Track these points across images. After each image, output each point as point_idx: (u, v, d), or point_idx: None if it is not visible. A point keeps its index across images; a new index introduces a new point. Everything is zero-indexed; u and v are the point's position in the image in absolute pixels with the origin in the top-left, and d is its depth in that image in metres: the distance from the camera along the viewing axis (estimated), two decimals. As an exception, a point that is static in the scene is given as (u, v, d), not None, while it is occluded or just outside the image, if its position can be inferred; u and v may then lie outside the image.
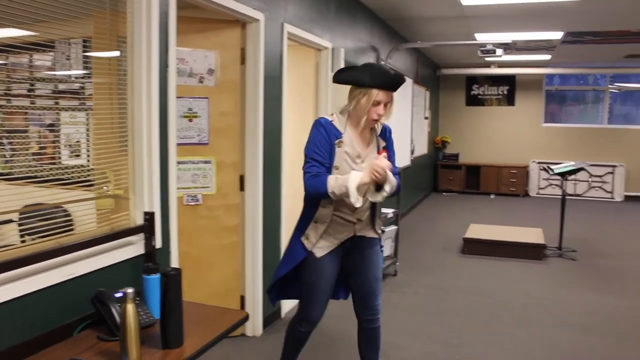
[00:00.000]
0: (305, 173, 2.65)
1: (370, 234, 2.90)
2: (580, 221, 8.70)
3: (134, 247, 2.58)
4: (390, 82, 2.68)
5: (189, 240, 3.56)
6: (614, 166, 11.33)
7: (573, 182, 11.29)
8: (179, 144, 3.04)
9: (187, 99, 3.61)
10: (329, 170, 2.67)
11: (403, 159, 7.89)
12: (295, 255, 2.80)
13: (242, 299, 3.97)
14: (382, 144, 2.84)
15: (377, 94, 2.63)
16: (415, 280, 5.43)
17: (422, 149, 9.98)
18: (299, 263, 2.80)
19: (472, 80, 12.15)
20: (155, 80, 2.68)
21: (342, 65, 5.26)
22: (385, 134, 2.90)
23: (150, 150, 2.68)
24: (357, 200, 2.55)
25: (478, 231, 6.75)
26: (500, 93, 12.06)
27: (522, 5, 5.98)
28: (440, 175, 11.81)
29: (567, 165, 6.59)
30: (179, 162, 3.15)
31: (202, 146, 3.70)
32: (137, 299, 2.07)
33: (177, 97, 2.96)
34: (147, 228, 2.63)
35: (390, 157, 2.79)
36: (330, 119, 2.73)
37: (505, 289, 5.23)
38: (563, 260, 6.29)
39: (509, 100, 12.01)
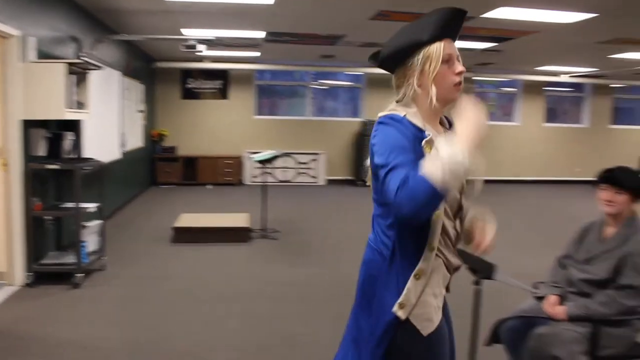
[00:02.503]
0: (388, 190, 1.61)
1: None
2: (286, 204, 9.58)
3: None
4: (452, 18, 1.79)
5: None
6: (317, 154, 12.66)
7: (282, 169, 12.33)
8: None
9: None
10: None
11: (112, 153, 7.72)
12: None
13: None
14: None
15: (444, 46, 1.76)
16: (124, 273, 5.41)
17: (136, 142, 9.85)
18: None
19: (187, 74, 12.35)
20: None
21: (34, 56, 4.96)
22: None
23: None
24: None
25: (188, 220, 6.97)
26: (215, 87, 12.50)
27: (221, 4, 6.32)
28: (158, 168, 11.77)
29: (266, 154, 7.20)
30: None
31: None
32: None
33: None
34: None
35: None
36: (402, 114, 1.80)
37: (211, 272, 5.53)
38: (267, 240, 6.86)
39: (223, 94, 12.53)
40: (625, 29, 7.20)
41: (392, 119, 1.78)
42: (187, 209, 8.27)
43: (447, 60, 1.77)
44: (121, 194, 8.83)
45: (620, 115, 14.89)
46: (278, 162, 12.09)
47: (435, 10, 1.80)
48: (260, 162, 7.16)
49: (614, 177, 2.83)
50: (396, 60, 1.84)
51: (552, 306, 2.82)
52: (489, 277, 2.37)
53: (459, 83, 1.80)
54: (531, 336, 2.74)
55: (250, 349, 3.74)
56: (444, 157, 1.52)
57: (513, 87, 14.18)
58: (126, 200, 9.23)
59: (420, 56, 1.78)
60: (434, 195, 1.52)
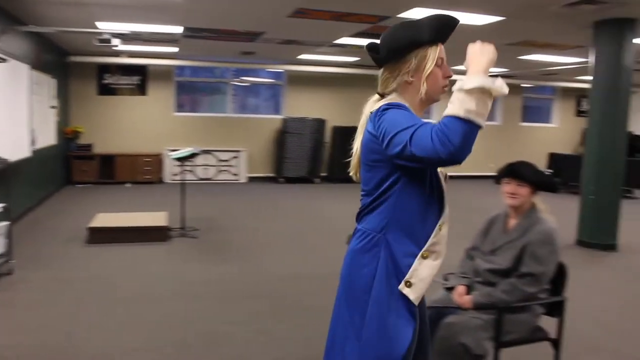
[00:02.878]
0: (422, 143, 1.64)
1: None
2: (207, 202, 9.49)
3: None
4: (449, 25, 1.92)
5: None
6: (238, 151, 12.59)
7: (203, 167, 12.19)
8: None
9: None
10: (423, 181, 1.85)
11: (20, 150, 7.38)
12: (402, 336, 1.84)
13: None
14: None
15: (439, 50, 1.90)
16: (35, 276, 5.19)
17: (49, 139, 9.45)
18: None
19: (103, 69, 11.96)
20: None
21: None
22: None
23: None
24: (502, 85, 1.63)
25: (104, 220, 6.77)
26: (133, 83, 12.18)
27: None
28: (73, 166, 11.33)
29: (184, 151, 7.09)
30: None
31: None
32: None
33: None
34: None
35: None
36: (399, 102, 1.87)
37: (127, 272, 5.40)
38: (186, 239, 6.77)
39: (142, 90, 12.23)
40: (530, 32, 7.60)
41: (398, 105, 1.84)
42: (104, 208, 8.03)
43: (440, 64, 1.91)
44: (32, 194, 8.45)
45: (529, 113, 15.69)
46: (199, 160, 11.97)
47: (434, 16, 1.91)
48: (179, 159, 7.05)
49: (515, 171, 2.98)
50: (395, 54, 1.91)
51: (460, 296, 2.95)
52: None
53: (446, 86, 1.94)
54: (441, 326, 2.86)
55: (168, 349, 3.70)
56: (470, 87, 1.60)
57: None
58: (38, 200, 8.84)
59: (418, 54, 1.88)
60: (470, 128, 1.59)
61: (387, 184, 1.85)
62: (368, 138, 1.88)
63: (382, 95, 1.97)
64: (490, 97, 1.62)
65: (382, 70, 1.98)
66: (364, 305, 1.90)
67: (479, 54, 1.70)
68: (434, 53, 1.89)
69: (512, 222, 3.04)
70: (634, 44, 6.94)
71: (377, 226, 1.89)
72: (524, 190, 2.96)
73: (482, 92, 1.60)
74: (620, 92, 6.88)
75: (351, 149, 2.03)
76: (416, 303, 1.85)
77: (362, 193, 1.97)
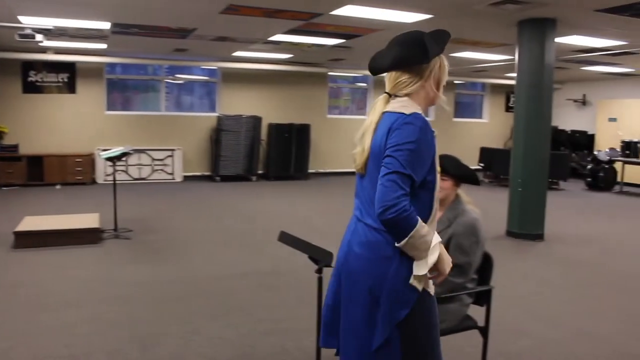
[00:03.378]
0: (388, 188, 1.90)
1: None
2: (141, 202, 9.28)
3: None
4: (448, 40, 2.19)
5: None
6: (173, 150, 12.36)
7: (137, 166, 11.91)
8: None
9: None
10: (433, 182, 2.07)
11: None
12: (407, 298, 1.99)
13: None
14: None
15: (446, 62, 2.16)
16: (-45, 284, 4.95)
17: (-30, 140, 9.00)
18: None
19: (28, 66, 11.46)
20: None
21: None
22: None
23: None
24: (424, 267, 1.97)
25: (32, 223, 6.51)
26: (61, 80, 11.73)
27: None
28: (-3, 168, 10.84)
29: (115, 151, 6.91)
30: None
31: None
32: None
33: None
34: None
35: None
36: (421, 112, 2.04)
37: (57, 277, 5.22)
38: (119, 240, 6.61)
39: (70, 88, 11.79)
40: (459, 29, 7.80)
41: (427, 125, 1.99)
42: (32, 211, 7.73)
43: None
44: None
45: (461, 109, 16.13)
46: (133, 160, 11.70)
47: (442, 31, 2.15)
48: (110, 159, 6.85)
49: (439, 165, 3.05)
50: (421, 60, 2.06)
51: None
52: (328, 265, 2.47)
53: (433, 104, 2.19)
54: None
55: (99, 354, 3.60)
56: (426, 247, 1.94)
57: (365, 82, 14.81)
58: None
59: (437, 64, 2.10)
60: (403, 234, 1.90)
61: None
62: (384, 141, 2.00)
63: (391, 96, 2.11)
64: (420, 258, 1.97)
65: (396, 73, 2.10)
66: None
67: (445, 263, 2.04)
68: (446, 65, 2.14)
69: (438, 215, 3.10)
70: (555, 42, 7.25)
71: None
72: (447, 184, 3.03)
73: (421, 255, 1.96)
74: (543, 89, 7.17)
75: (355, 144, 2.13)
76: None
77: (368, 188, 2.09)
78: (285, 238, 2.83)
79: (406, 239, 1.90)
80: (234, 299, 4.72)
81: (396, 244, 1.93)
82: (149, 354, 3.62)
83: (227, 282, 5.19)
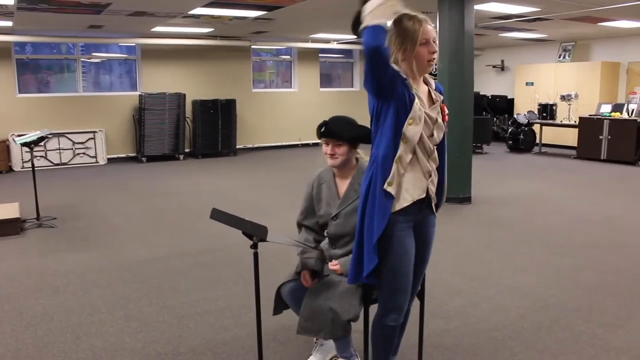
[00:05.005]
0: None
1: (431, 210, 2.66)
2: (64, 188, 8.90)
3: None
4: None
5: None
6: (94, 132, 11.88)
7: (57, 151, 11.39)
8: None
9: None
10: (401, 121, 2.36)
11: None
12: (385, 211, 2.37)
13: None
14: (440, 97, 2.56)
15: (424, 31, 2.36)
16: None
17: None
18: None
19: None
20: None
21: None
22: (440, 90, 2.62)
23: None
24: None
25: (-56, 216, 6.12)
26: (-35, 63, 10.97)
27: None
28: None
29: (30, 136, 6.56)
30: None
31: None
32: None
33: None
34: None
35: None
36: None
37: (-23, 272, 4.94)
38: (43, 229, 6.32)
39: (-24, 71, 11.06)
40: None
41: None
42: (-59, 204, 7.26)
43: (425, 43, 2.35)
44: None
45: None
46: (52, 144, 11.18)
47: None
48: (26, 144, 6.49)
49: (329, 131, 2.85)
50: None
51: (332, 264, 2.95)
52: (263, 239, 2.42)
53: (432, 60, 2.40)
54: (310, 292, 2.87)
55: (27, 350, 3.43)
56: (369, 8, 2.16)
57: (289, 55, 14.68)
58: None
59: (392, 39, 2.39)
60: (374, 29, 2.14)
61: None
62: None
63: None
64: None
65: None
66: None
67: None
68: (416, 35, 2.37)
69: (343, 183, 2.95)
70: (475, 10, 7.40)
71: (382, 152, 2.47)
72: (342, 149, 2.84)
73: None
74: (464, 55, 7.33)
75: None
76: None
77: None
78: (218, 215, 2.76)
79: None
80: (169, 281, 4.63)
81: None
82: (83, 344, 3.49)
83: (160, 264, 5.07)
